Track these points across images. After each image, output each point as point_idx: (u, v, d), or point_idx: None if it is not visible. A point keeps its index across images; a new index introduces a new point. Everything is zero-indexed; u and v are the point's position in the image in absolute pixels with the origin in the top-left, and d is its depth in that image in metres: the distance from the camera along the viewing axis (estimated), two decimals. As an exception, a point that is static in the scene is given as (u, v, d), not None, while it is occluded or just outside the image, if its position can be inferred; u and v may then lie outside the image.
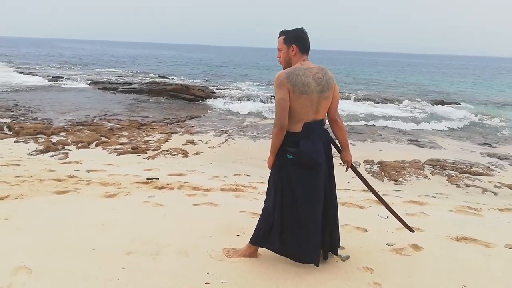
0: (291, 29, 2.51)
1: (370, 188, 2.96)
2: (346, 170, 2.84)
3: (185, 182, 4.94)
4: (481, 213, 4.19)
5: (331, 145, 2.67)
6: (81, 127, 10.40)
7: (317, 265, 2.56)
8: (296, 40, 2.46)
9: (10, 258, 2.61)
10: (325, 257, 2.71)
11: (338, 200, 2.79)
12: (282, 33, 2.52)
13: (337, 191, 2.75)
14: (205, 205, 3.94)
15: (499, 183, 6.86)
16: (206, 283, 2.41)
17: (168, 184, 4.73)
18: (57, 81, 23.65)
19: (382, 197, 3.97)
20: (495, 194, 6.28)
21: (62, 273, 2.46)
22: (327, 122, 2.64)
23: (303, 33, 2.48)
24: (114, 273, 2.49)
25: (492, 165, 8.34)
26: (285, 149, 2.48)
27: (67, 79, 24.34)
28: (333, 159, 2.69)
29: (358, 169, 7.42)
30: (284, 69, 2.49)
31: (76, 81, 23.61)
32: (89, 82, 23.14)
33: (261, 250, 2.76)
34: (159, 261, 2.68)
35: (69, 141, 8.38)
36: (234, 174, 6.09)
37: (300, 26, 2.53)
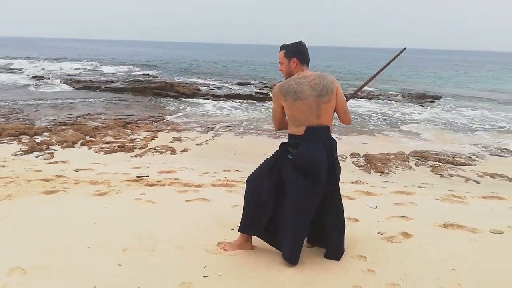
0: (290, 43, 2.61)
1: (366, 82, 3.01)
2: None
3: (175, 179, 4.93)
4: (466, 201, 4.32)
5: (335, 154, 2.66)
6: (64, 126, 10.24)
7: (295, 264, 2.57)
8: (296, 53, 2.57)
9: (3, 259, 2.58)
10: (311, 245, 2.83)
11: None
12: (282, 47, 2.62)
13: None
14: (197, 201, 3.96)
15: (481, 172, 7.08)
16: (204, 276, 2.43)
17: (158, 181, 4.71)
18: (38, 80, 23.17)
19: (370, 187, 4.05)
20: (478, 182, 6.48)
21: (56, 272, 2.44)
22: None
23: (303, 46, 2.59)
24: (111, 270, 2.49)
25: (473, 155, 8.59)
26: (287, 148, 2.59)
27: (47, 78, 23.84)
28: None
29: (344, 162, 7.55)
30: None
31: (57, 81, 23.15)
32: (69, 81, 22.73)
33: (256, 243, 2.81)
34: (155, 256, 2.69)
35: (54, 141, 8.25)
36: (224, 170, 6.10)
37: (300, 40, 2.63)
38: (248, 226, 2.74)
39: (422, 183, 5.97)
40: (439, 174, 6.96)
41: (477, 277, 2.45)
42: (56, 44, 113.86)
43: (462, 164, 7.71)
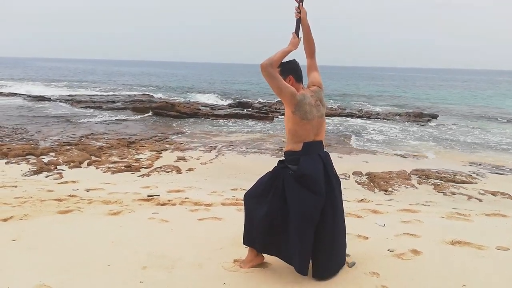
0: (285, 61, 2.66)
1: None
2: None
3: (185, 198, 5.03)
4: (470, 219, 4.42)
5: (331, 163, 2.77)
6: (69, 146, 10.35)
7: (305, 275, 2.62)
8: (292, 71, 2.66)
9: (27, 277, 2.66)
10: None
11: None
12: (278, 65, 2.67)
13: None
14: (209, 220, 4.05)
15: (482, 190, 7.20)
16: (225, 292, 2.52)
17: (169, 201, 4.81)
18: (38, 100, 23.37)
19: (376, 206, 4.13)
20: (480, 200, 6.59)
21: (82, 289, 2.53)
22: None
23: (297, 64, 2.70)
24: (134, 287, 2.57)
25: (474, 173, 8.72)
26: (286, 165, 2.68)
27: (48, 99, 24.04)
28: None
29: (347, 180, 7.67)
30: None
31: (57, 101, 23.36)
32: (71, 101, 22.95)
33: (272, 260, 2.89)
34: (175, 274, 2.77)
35: (61, 161, 8.36)
36: (231, 189, 6.20)
37: (293, 58, 2.71)
38: (251, 239, 2.82)
39: (426, 201, 6.07)
40: (442, 192, 7.08)
41: (488, 292, 2.54)
42: (42, 64, 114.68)
43: (463, 182, 7.84)
